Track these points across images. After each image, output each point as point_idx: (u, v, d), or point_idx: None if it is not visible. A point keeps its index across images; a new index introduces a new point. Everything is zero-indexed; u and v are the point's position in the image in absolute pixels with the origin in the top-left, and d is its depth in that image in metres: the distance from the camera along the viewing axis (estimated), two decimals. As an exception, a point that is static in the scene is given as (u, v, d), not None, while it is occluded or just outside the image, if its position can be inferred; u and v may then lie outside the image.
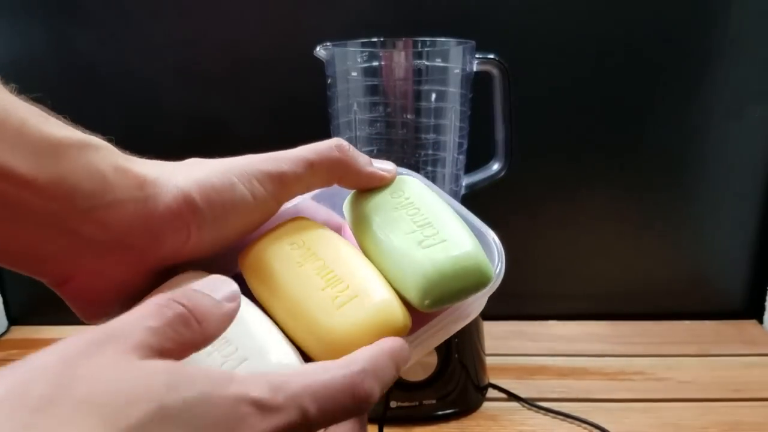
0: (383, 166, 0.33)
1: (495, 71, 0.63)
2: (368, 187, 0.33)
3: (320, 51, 0.60)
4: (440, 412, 0.65)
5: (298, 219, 0.32)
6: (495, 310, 0.80)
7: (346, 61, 0.60)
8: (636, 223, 0.82)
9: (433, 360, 0.62)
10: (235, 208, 0.28)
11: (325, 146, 0.31)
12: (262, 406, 0.21)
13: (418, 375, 0.62)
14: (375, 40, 0.63)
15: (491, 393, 0.69)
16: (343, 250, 0.30)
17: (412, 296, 0.29)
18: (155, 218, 0.27)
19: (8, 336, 0.85)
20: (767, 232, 0.82)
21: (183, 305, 0.22)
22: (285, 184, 0.29)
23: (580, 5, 0.74)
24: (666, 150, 0.79)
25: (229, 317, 0.23)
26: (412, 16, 0.74)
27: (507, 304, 0.84)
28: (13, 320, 0.87)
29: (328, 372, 0.24)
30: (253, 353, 0.26)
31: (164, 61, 0.76)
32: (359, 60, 0.60)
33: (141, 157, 0.29)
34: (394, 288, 0.29)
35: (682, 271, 0.84)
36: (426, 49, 0.61)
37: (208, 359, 0.26)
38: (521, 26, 0.75)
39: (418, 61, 0.59)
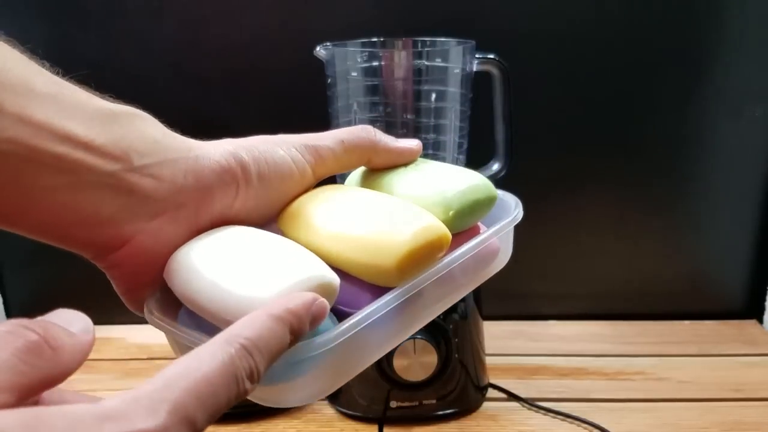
0: (408, 143, 0.36)
1: (495, 71, 0.63)
2: (397, 163, 0.35)
3: (320, 51, 0.60)
4: (440, 412, 0.65)
5: (327, 185, 0.34)
6: (495, 310, 0.81)
7: (346, 61, 0.60)
8: (636, 223, 0.82)
9: (433, 360, 0.62)
10: (278, 169, 0.30)
11: (354, 128, 0.34)
12: None
13: (418, 375, 0.62)
14: (375, 40, 0.63)
15: (491, 393, 0.69)
16: (372, 192, 0.33)
17: (438, 211, 0.31)
18: (206, 173, 0.28)
19: (8, 336, 0.85)
20: (767, 232, 0.82)
21: (34, 331, 0.19)
22: (320, 156, 0.32)
23: (580, 5, 0.74)
24: (666, 150, 0.79)
25: (83, 350, 0.21)
26: (412, 16, 0.74)
27: (507, 304, 0.84)
28: (13, 320, 0.87)
29: (202, 362, 0.20)
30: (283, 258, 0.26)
31: (164, 62, 0.76)
32: (359, 60, 0.60)
33: None
34: None
35: (682, 271, 0.84)
36: (426, 49, 0.61)
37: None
38: (521, 26, 0.75)
39: (418, 61, 0.59)
